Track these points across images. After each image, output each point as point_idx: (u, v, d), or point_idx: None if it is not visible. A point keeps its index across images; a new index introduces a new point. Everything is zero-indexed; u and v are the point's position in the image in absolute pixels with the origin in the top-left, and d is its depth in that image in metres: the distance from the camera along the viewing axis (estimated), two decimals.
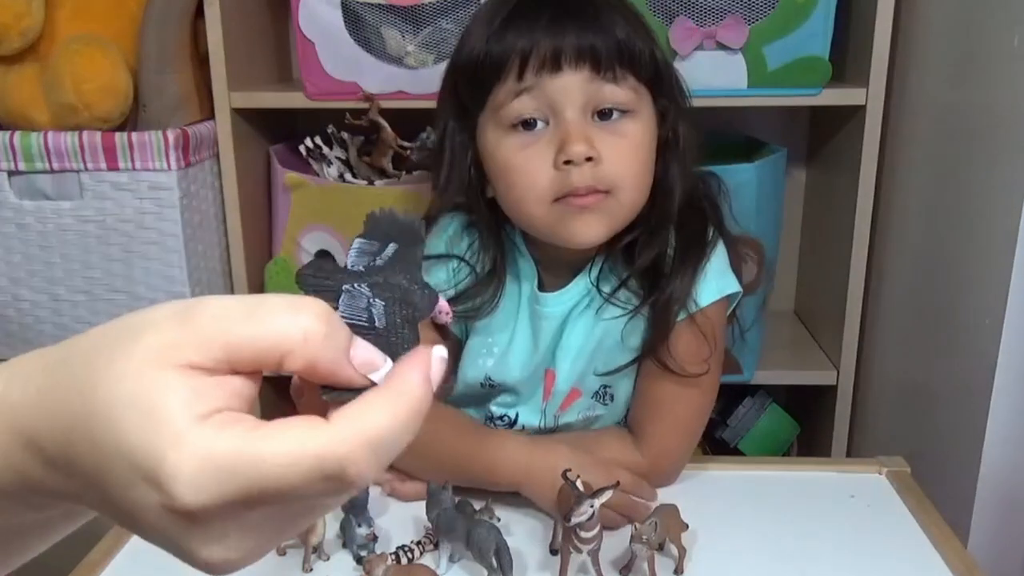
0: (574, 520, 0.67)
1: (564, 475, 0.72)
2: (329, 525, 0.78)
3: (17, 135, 1.24)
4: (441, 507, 0.75)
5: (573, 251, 0.90)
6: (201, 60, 1.33)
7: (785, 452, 1.56)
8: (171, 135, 1.23)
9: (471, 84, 0.87)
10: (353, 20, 1.25)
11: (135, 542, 0.80)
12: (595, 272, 0.92)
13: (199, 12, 1.28)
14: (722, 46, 1.22)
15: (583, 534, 0.68)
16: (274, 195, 1.42)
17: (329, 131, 1.41)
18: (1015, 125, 0.96)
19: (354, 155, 1.40)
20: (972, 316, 1.05)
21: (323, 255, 1.39)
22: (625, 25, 0.84)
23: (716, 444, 1.56)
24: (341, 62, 1.28)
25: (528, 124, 0.84)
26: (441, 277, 0.96)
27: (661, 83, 0.88)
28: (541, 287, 0.95)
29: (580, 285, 0.93)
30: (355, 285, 0.39)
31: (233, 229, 1.38)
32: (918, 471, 0.89)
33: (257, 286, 1.43)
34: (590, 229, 0.85)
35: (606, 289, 0.92)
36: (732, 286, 0.92)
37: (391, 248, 0.42)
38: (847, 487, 0.87)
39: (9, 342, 1.35)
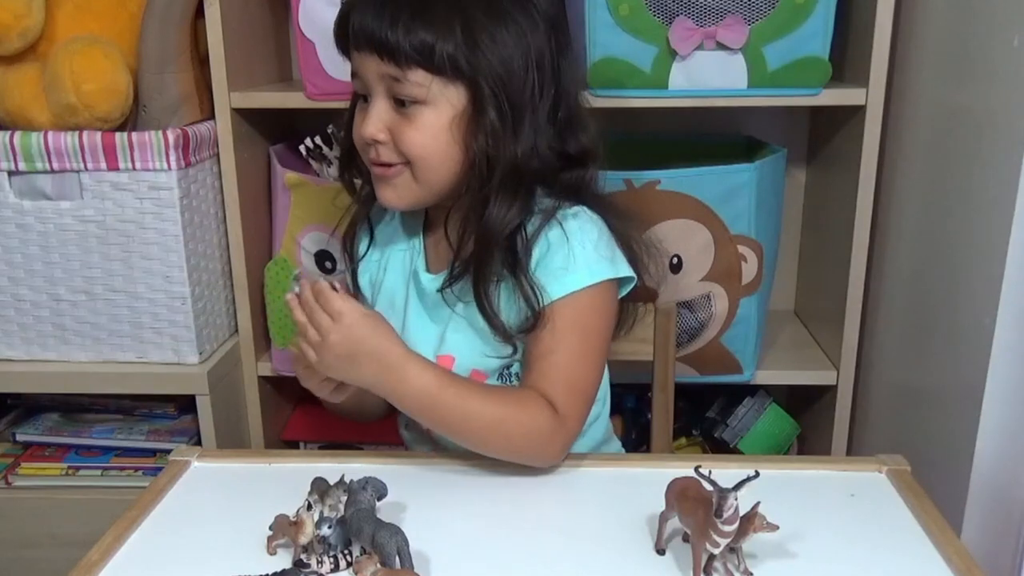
0: (726, 514, 0.68)
1: (697, 471, 0.71)
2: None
3: (17, 135, 1.24)
4: (357, 506, 0.75)
5: (449, 233, 0.95)
6: (201, 60, 1.33)
7: (785, 452, 1.56)
8: (171, 135, 1.23)
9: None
10: None
11: (134, 542, 0.80)
12: (463, 254, 0.93)
13: (199, 12, 1.28)
14: (722, 46, 1.22)
15: (725, 528, 0.68)
16: (274, 195, 1.42)
17: (329, 131, 1.41)
18: (1014, 125, 0.96)
19: None
20: (970, 316, 1.05)
21: (323, 257, 1.39)
22: (425, 18, 0.85)
23: (716, 444, 1.56)
24: (341, 62, 1.27)
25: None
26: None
27: (464, 72, 0.87)
28: (428, 268, 1.00)
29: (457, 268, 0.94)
30: None
31: (233, 229, 1.38)
32: (914, 469, 0.89)
33: (257, 286, 1.43)
34: (392, 195, 0.94)
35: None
36: (603, 273, 0.91)
37: None
38: (847, 486, 0.87)
39: (9, 342, 1.35)
